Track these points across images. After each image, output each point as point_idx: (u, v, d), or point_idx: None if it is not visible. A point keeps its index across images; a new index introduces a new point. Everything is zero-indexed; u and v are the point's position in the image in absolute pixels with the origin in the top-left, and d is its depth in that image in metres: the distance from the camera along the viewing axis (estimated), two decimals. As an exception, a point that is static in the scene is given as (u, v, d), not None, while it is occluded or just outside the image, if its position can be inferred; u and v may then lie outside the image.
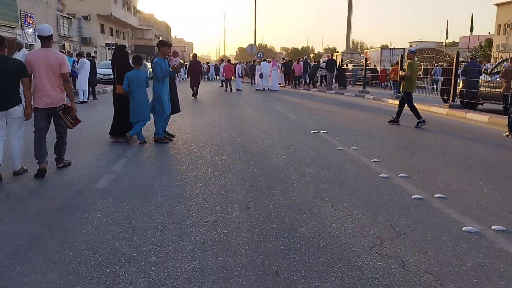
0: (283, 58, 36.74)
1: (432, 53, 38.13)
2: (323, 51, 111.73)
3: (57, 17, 28.57)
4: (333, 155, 6.56)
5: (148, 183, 4.84)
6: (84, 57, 15.01)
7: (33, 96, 5.01)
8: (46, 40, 5.08)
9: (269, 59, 26.06)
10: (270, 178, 5.16)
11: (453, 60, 17.15)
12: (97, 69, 18.05)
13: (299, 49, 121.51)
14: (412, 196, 4.46)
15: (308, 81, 26.88)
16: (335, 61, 25.24)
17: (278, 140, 7.87)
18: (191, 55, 22.85)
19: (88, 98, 15.25)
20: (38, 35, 5.10)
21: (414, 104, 9.85)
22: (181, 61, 10.87)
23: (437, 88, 23.21)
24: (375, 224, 3.67)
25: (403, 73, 9.75)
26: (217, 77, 39.09)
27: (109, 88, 19.97)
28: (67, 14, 30.61)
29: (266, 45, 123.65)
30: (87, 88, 14.82)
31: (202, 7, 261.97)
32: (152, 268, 2.83)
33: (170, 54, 8.23)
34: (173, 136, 8.04)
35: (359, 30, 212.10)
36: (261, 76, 22.68)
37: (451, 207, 4.14)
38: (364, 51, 45.93)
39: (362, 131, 9.09)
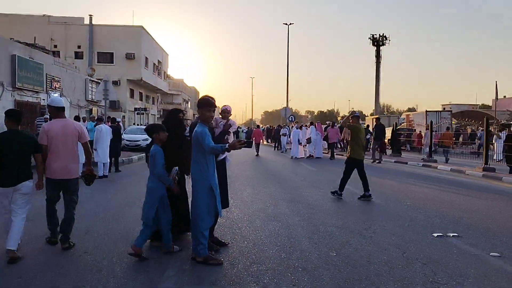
0: (326, 122, 33.37)
1: (477, 117, 35.48)
2: (348, 114, 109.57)
3: (85, 81, 27.29)
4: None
5: None
6: (105, 123, 12.68)
7: (47, 165, 4.87)
8: (60, 111, 5.08)
9: (315, 122, 23.11)
10: None
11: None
12: (122, 135, 15.92)
13: (325, 112, 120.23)
14: None
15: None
16: (384, 126, 20.95)
17: (396, 254, 4.83)
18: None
19: (109, 171, 12.72)
20: (49, 105, 5.12)
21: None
22: (234, 125, 5.46)
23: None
24: None
25: (348, 139, 9.24)
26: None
27: (135, 156, 17.56)
28: (96, 78, 29.45)
29: (291, 108, 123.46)
30: (108, 160, 12.30)
31: (230, 72, 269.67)
32: None
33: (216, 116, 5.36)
34: (225, 245, 5.12)
35: (384, 93, 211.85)
36: (308, 141, 19.88)
37: None
38: (406, 114, 43.23)
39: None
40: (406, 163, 17.68)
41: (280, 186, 10.42)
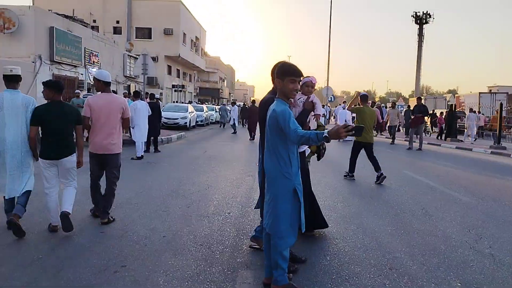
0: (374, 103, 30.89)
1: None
2: (384, 95, 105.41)
3: (123, 56, 26.53)
4: None
5: None
6: (142, 99, 11.58)
7: (90, 140, 4.93)
8: (107, 85, 4.98)
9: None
10: None
11: None
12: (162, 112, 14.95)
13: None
14: None
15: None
16: (426, 107, 18.35)
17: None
18: (252, 99, 22.31)
19: (148, 150, 11.77)
20: (97, 79, 4.94)
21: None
22: (318, 104, 3.96)
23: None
24: None
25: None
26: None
27: (174, 135, 16.61)
28: (135, 54, 28.67)
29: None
30: (146, 139, 11.31)
31: (267, 50, 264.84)
32: None
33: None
34: (302, 261, 3.87)
35: (423, 74, 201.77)
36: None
37: None
38: (456, 95, 40.43)
39: None
40: (471, 150, 15.84)
41: (340, 176, 9.07)
